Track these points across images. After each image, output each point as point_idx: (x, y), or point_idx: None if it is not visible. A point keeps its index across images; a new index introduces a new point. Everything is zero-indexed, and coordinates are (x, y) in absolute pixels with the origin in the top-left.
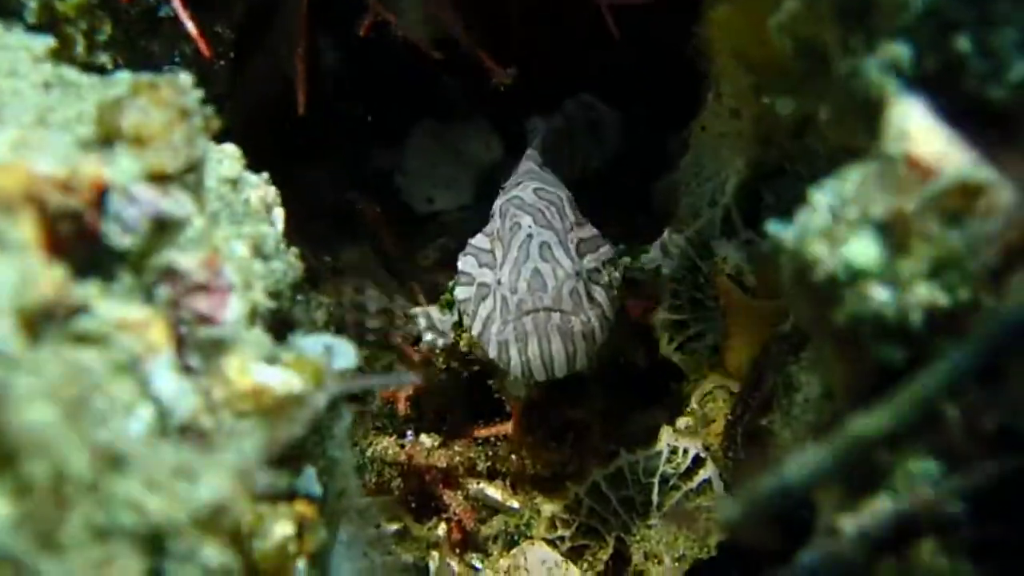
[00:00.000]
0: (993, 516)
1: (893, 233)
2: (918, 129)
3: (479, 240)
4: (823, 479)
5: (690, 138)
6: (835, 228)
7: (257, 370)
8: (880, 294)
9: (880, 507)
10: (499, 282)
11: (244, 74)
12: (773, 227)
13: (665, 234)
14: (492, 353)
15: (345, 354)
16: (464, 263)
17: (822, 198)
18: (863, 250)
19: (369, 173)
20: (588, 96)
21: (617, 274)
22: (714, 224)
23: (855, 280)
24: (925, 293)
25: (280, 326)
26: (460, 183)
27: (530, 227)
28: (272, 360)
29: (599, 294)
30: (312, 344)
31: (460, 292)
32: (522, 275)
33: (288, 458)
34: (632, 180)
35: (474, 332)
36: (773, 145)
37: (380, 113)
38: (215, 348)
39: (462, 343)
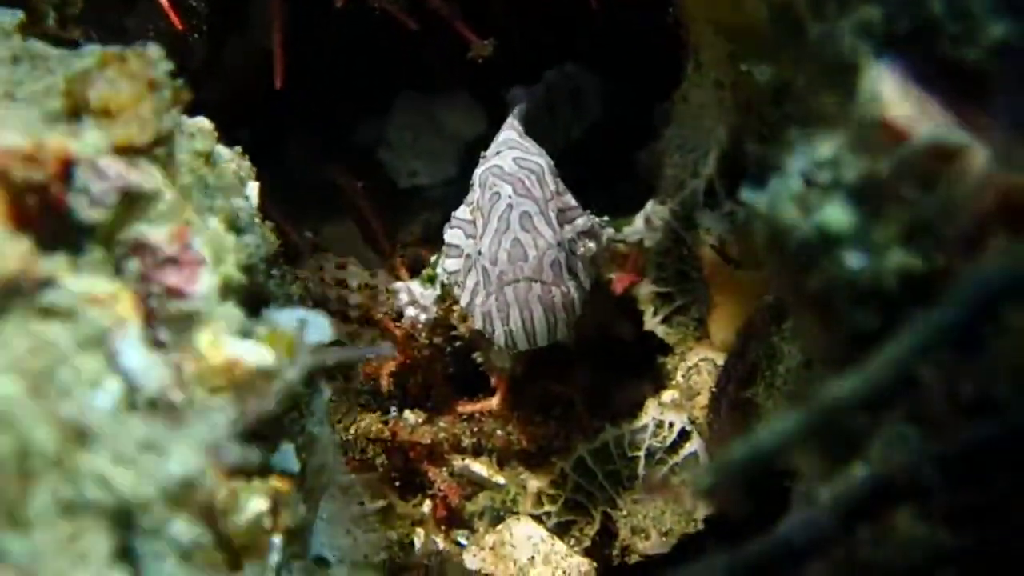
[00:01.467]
0: (969, 483)
1: (867, 198)
2: (891, 93)
3: (462, 212)
4: (795, 444)
5: (673, 109)
6: (808, 194)
7: (229, 344)
8: (854, 259)
9: (856, 474)
10: (480, 253)
11: (224, 49)
12: (747, 194)
13: (648, 206)
14: (477, 324)
15: (320, 327)
16: (451, 236)
17: (795, 163)
18: (836, 215)
19: (352, 147)
20: (571, 65)
21: (593, 245)
22: (697, 195)
23: (828, 246)
24: (899, 258)
25: (254, 300)
26: (443, 157)
27: (510, 197)
28: (245, 334)
29: (578, 265)
30: (286, 318)
31: (450, 264)
32: (502, 245)
33: (264, 434)
34: (616, 150)
35: (462, 303)
36: (753, 113)
37: (363, 85)
38: (185, 322)
39: (455, 315)
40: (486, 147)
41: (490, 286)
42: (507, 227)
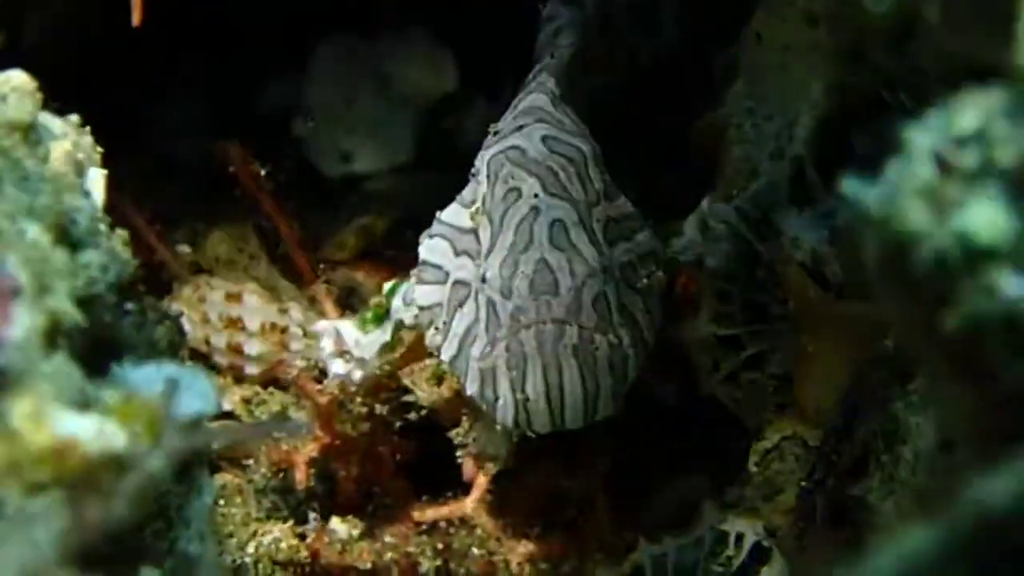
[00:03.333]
0: None
1: None
2: None
3: (453, 214)
4: (932, 572)
5: (742, 54)
6: (944, 185)
7: (59, 418)
8: (1014, 285)
9: None
10: (484, 278)
11: None
12: (852, 185)
13: (704, 203)
14: (471, 388)
15: (199, 392)
16: (431, 249)
17: (924, 139)
18: (987, 218)
19: (253, 116)
20: None
21: (661, 274)
22: (779, 187)
23: (975, 264)
24: None
25: (98, 351)
26: (393, 130)
27: (536, 196)
28: (83, 403)
29: (636, 304)
30: (147, 377)
31: (424, 293)
32: (521, 269)
33: (113, 555)
34: (666, 114)
35: (445, 356)
36: (864, 63)
37: (268, 25)
38: None
39: (412, 372)
40: (498, 116)
41: (498, 329)
42: (529, 241)
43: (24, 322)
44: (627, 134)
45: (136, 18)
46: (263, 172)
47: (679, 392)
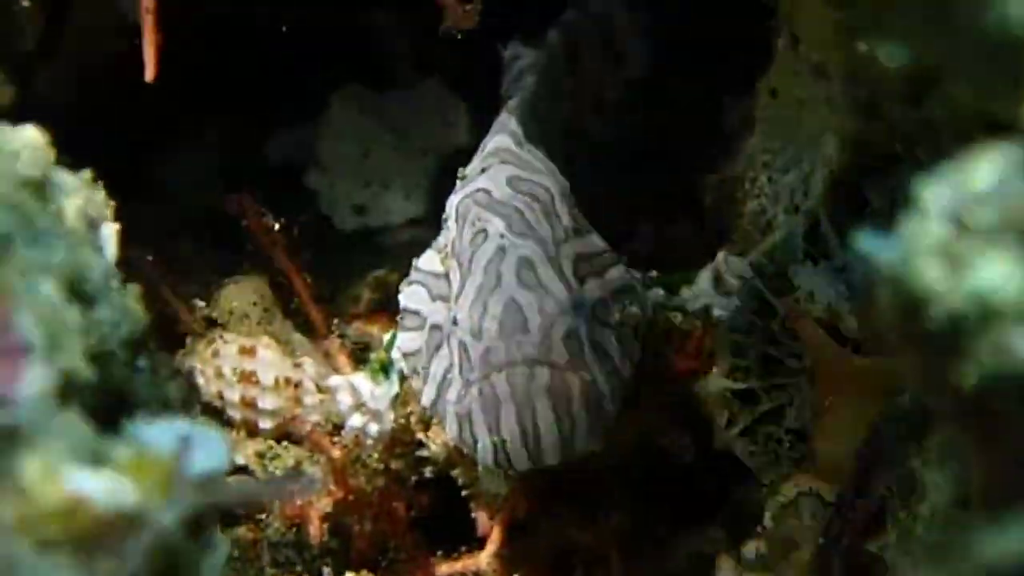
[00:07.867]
0: None
1: None
2: None
3: (428, 260)
4: None
5: (756, 108)
6: (958, 242)
7: (70, 475)
8: None
9: None
10: (455, 321)
11: (70, 24)
12: (866, 242)
13: (719, 257)
14: (451, 432)
15: (212, 448)
16: (410, 296)
17: (939, 196)
18: (1002, 275)
19: (265, 168)
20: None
21: (636, 310)
22: (795, 242)
23: (990, 321)
24: None
25: (110, 407)
26: (408, 182)
27: (502, 236)
28: (96, 460)
29: (609, 340)
30: (160, 434)
31: (406, 341)
32: (490, 310)
33: None
34: (672, 163)
35: (425, 401)
36: (879, 117)
37: (281, 76)
38: (4, 441)
39: (413, 423)
40: (467, 161)
41: (471, 372)
42: (497, 282)
43: (36, 379)
44: (630, 177)
45: (150, 73)
46: (276, 225)
47: (694, 446)
